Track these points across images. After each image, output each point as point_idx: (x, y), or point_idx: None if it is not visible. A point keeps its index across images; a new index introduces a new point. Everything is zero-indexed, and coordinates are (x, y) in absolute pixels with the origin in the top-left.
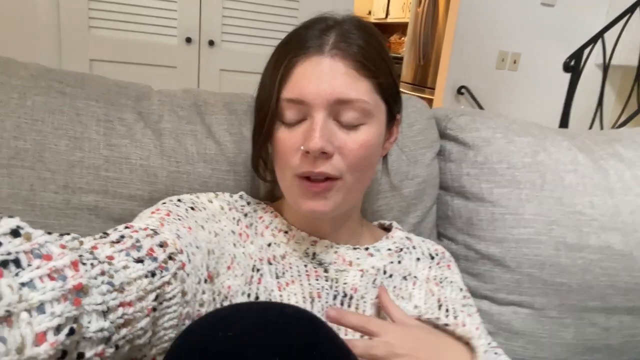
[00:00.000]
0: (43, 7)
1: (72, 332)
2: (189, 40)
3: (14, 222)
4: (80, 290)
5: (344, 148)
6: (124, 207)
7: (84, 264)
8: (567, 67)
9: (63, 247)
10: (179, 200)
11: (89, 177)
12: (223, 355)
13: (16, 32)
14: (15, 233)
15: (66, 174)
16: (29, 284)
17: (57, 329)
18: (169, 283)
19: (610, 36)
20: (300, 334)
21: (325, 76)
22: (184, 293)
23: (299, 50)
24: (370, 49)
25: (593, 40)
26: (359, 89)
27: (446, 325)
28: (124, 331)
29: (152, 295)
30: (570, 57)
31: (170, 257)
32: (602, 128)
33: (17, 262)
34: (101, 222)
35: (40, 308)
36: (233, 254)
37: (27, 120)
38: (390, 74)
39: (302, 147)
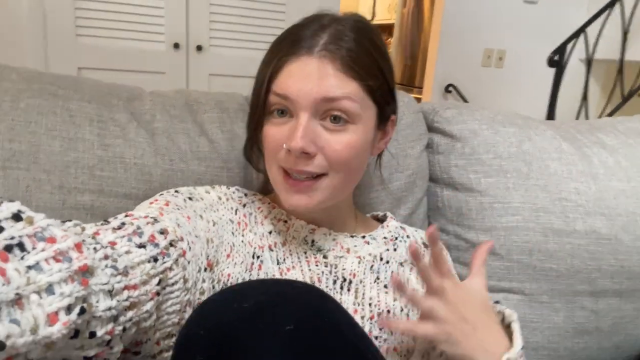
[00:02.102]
0: (29, 16)
1: (82, 311)
2: (177, 45)
3: (15, 207)
4: (87, 271)
5: (327, 148)
6: (119, 206)
7: (87, 247)
8: (551, 62)
9: (65, 231)
10: (176, 191)
11: (84, 177)
12: (239, 324)
13: (2, 42)
14: (16, 217)
15: (61, 175)
16: (36, 266)
17: (68, 309)
18: (170, 269)
19: (592, 31)
20: (311, 304)
21: (311, 77)
22: (185, 280)
23: (289, 50)
24: (361, 51)
25: (575, 35)
26: (345, 88)
27: (496, 302)
28: (130, 313)
29: (156, 280)
30: (554, 52)
31: (171, 244)
32: None
33: (21, 246)
34: (97, 221)
35: (49, 289)
36: (232, 242)
37: (21, 122)
38: (383, 75)
39: (284, 146)
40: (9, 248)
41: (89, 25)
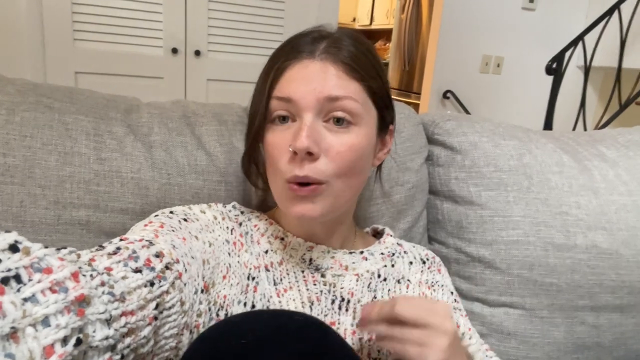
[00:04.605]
0: (26, 20)
1: (79, 342)
2: (175, 50)
3: (11, 237)
4: (83, 301)
5: (331, 150)
6: (115, 221)
7: (83, 275)
8: (549, 70)
9: (61, 260)
10: (171, 212)
11: (80, 191)
12: None
13: (0, 47)
14: (13, 248)
15: (57, 190)
16: (32, 298)
17: (64, 341)
18: (167, 292)
19: (590, 38)
20: (312, 339)
21: (314, 77)
22: (182, 302)
23: (290, 55)
24: (360, 54)
25: (574, 43)
26: (347, 88)
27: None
28: (128, 340)
29: (153, 304)
30: (552, 60)
31: (167, 267)
32: (585, 129)
33: (17, 278)
34: (93, 236)
35: (45, 321)
36: (228, 263)
37: (16, 136)
38: (381, 79)
39: (290, 147)
40: (5, 280)
41: (87, 29)
